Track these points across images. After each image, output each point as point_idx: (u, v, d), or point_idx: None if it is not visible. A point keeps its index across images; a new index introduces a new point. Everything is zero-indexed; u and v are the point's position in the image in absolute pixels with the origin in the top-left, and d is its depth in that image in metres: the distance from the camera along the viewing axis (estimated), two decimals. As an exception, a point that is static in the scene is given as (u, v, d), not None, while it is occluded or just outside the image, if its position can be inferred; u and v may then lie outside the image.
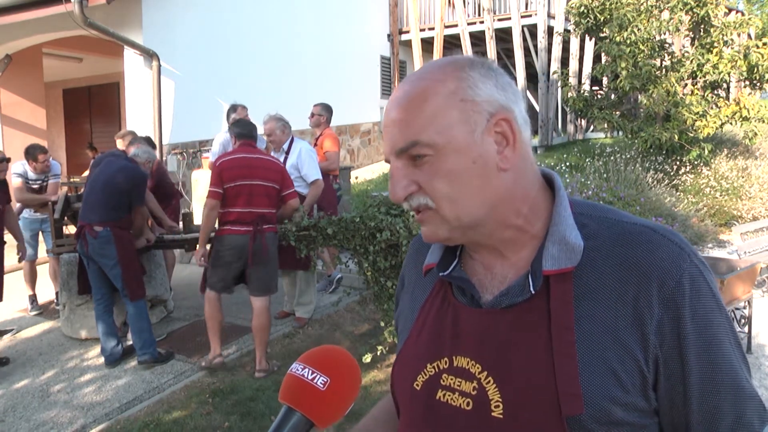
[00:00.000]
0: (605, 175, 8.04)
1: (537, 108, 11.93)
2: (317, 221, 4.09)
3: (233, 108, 5.52)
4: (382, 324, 4.14)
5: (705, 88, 8.74)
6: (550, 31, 11.51)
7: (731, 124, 8.59)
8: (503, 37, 12.18)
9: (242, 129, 4.25)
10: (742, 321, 4.45)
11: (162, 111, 7.48)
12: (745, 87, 9.13)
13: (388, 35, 12.80)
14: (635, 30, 8.41)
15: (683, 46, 9.56)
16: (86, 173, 6.03)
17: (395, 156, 0.81)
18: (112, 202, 4.22)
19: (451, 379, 0.82)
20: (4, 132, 8.57)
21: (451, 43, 12.66)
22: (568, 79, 10.19)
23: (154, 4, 7.59)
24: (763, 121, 8.25)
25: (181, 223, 5.30)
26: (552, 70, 11.15)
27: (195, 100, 8.09)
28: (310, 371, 0.75)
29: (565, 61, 11.45)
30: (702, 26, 8.59)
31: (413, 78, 0.82)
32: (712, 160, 8.78)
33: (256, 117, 5.81)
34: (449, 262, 0.89)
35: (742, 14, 11.20)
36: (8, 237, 4.93)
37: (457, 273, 0.87)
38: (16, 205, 5.71)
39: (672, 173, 8.61)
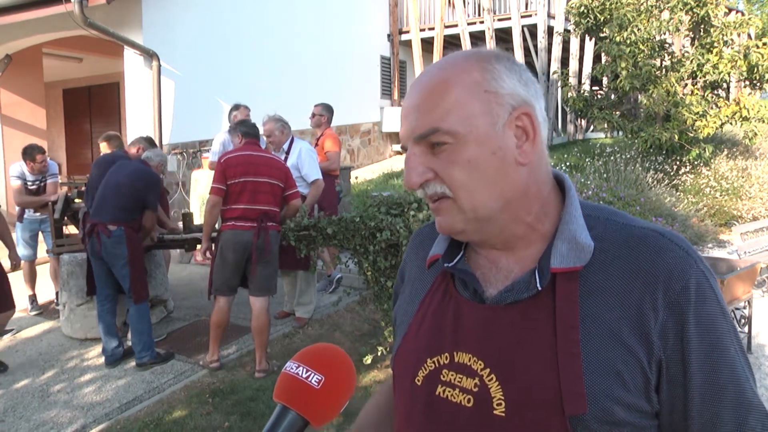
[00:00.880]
0: (605, 175, 8.04)
1: (537, 108, 11.91)
2: (317, 221, 4.09)
3: (236, 107, 5.53)
4: (382, 324, 4.14)
5: (705, 88, 8.74)
6: (550, 31, 11.51)
7: (731, 124, 8.59)
8: (503, 37, 12.18)
9: (249, 129, 4.30)
10: (742, 321, 4.45)
11: (162, 111, 7.48)
12: (745, 87, 9.13)
13: (388, 35, 12.81)
14: (635, 30, 8.41)
15: (683, 46, 9.56)
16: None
17: (413, 142, 0.80)
18: (126, 204, 4.25)
19: (452, 375, 0.81)
20: (4, 132, 8.57)
21: (451, 43, 12.67)
22: (568, 79, 10.20)
23: (154, 4, 7.59)
24: (763, 121, 8.25)
25: (180, 223, 5.30)
26: (552, 70, 11.15)
27: (195, 100, 8.09)
28: (305, 370, 0.75)
29: (565, 61, 11.45)
30: (702, 26, 8.59)
31: (437, 66, 0.82)
32: (712, 160, 8.78)
33: (256, 117, 5.80)
34: (454, 254, 0.88)
35: (742, 14, 11.20)
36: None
37: (462, 266, 0.86)
38: (15, 209, 5.71)
39: (672, 173, 8.61)
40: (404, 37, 12.80)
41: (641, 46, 8.32)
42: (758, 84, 8.52)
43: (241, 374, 4.13)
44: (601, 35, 9.27)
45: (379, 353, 4.06)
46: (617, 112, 9.35)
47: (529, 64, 11.96)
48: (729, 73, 8.33)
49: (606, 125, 9.44)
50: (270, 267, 4.16)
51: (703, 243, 7.13)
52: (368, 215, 3.83)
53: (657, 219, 6.73)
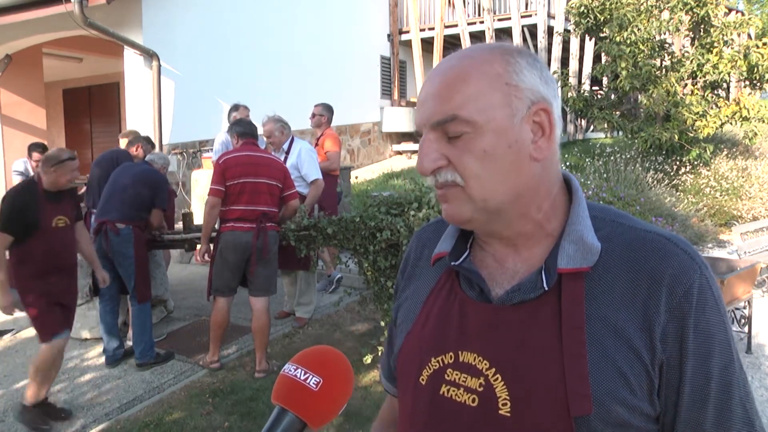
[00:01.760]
0: (605, 175, 8.04)
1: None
2: (317, 221, 4.09)
3: (235, 108, 5.53)
4: (382, 324, 4.14)
5: (705, 88, 8.74)
6: (550, 31, 11.51)
7: (731, 124, 8.59)
8: (503, 37, 12.17)
9: (245, 128, 4.27)
10: (742, 321, 4.45)
11: (162, 111, 7.48)
12: (745, 87, 9.13)
13: (388, 35, 12.80)
14: (635, 30, 8.41)
15: (683, 46, 9.55)
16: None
17: (429, 128, 0.79)
18: (135, 203, 4.28)
19: (456, 375, 0.81)
20: (4, 132, 8.57)
21: (451, 43, 12.66)
22: (568, 79, 10.19)
23: (154, 4, 7.59)
24: (763, 121, 8.25)
25: (181, 222, 5.30)
26: (552, 70, 11.15)
27: (195, 100, 8.09)
28: (303, 372, 0.75)
29: (565, 61, 11.45)
30: (702, 26, 8.58)
31: (460, 55, 0.82)
32: (712, 160, 8.78)
33: (256, 117, 5.80)
34: (460, 253, 0.88)
35: (742, 14, 11.20)
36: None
37: (467, 265, 0.86)
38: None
39: (672, 173, 8.60)
40: (404, 37, 12.80)
41: (641, 46, 8.32)
42: (758, 84, 8.52)
43: (241, 374, 4.13)
44: (601, 35, 9.27)
45: (379, 353, 4.05)
46: (617, 112, 9.34)
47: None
48: (729, 73, 8.33)
49: (606, 125, 9.43)
50: (269, 267, 4.15)
51: (703, 243, 7.13)
52: (368, 215, 3.83)
53: (657, 219, 6.73)
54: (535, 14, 11.61)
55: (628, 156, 8.87)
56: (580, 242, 0.79)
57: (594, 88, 11.35)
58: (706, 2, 8.26)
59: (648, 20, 8.49)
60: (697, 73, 8.50)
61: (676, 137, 8.22)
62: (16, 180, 5.55)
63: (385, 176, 10.23)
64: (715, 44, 8.39)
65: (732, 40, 8.58)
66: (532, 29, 11.72)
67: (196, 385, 4.02)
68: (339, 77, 10.90)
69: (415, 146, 12.31)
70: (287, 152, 4.88)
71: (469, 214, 0.80)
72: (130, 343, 4.48)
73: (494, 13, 11.94)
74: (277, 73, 9.50)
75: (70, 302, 3.69)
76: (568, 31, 10.66)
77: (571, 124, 12.34)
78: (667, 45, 8.83)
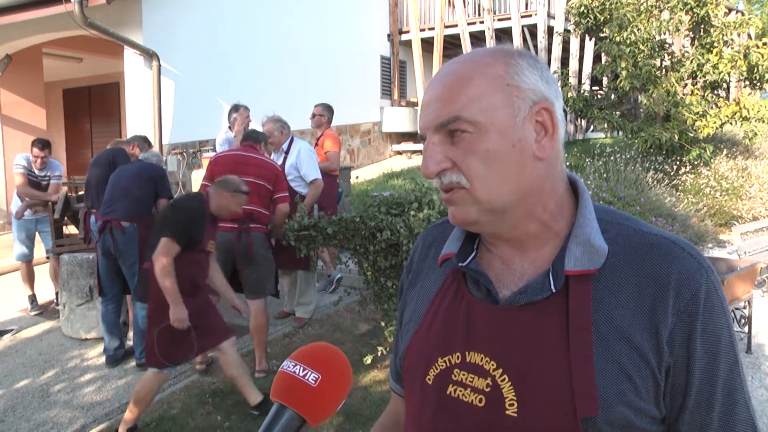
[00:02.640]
0: (605, 175, 8.04)
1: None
2: (317, 221, 4.09)
3: (235, 108, 5.53)
4: (382, 324, 4.14)
5: (705, 88, 8.74)
6: (550, 31, 11.51)
7: (731, 124, 8.59)
8: (503, 37, 12.17)
9: (248, 134, 4.33)
10: (742, 321, 4.45)
11: (162, 111, 7.48)
12: (745, 87, 9.13)
13: (388, 35, 12.80)
14: (635, 30, 8.41)
15: (683, 46, 9.55)
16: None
17: (433, 130, 0.80)
18: (139, 199, 4.29)
19: (463, 375, 0.81)
20: (4, 132, 8.57)
21: (451, 43, 12.67)
22: (568, 79, 10.20)
23: (154, 4, 7.59)
24: (763, 121, 8.25)
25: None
26: (552, 70, 11.15)
27: (195, 100, 8.09)
28: (302, 368, 0.75)
29: (565, 61, 11.45)
30: (702, 26, 8.59)
31: (461, 59, 0.83)
32: (712, 160, 8.78)
33: (255, 117, 5.81)
34: (467, 254, 0.88)
35: (742, 14, 11.19)
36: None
37: (474, 266, 0.86)
38: (12, 207, 5.69)
39: (672, 173, 8.61)
40: (404, 37, 12.79)
41: (641, 46, 8.32)
42: (758, 84, 8.52)
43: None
44: (601, 35, 9.27)
45: (379, 353, 4.05)
46: (617, 112, 9.34)
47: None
48: (729, 73, 8.33)
49: (606, 125, 9.42)
50: (260, 270, 4.10)
51: (703, 243, 7.13)
52: (368, 215, 3.83)
53: (657, 219, 6.73)
54: (535, 14, 11.61)
55: (628, 156, 8.87)
56: (587, 244, 0.79)
57: (594, 88, 11.36)
58: (706, 2, 8.26)
59: (648, 20, 8.49)
60: (697, 73, 8.50)
61: (676, 137, 8.22)
62: (17, 172, 5.51)
63: (385, 176, 10.23)
64: (715, 44, 8.39)
65: (732, 40, 8.59)
66: (532, 29, 11.72)
67: (196, 385, 4.02)
68: (339, 77, 10.90)
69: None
70: (287, 152, 4.88)
71: (475, 215, 0.80)
72: (130, 343, 4.48)
73: (494, 13, 11.94)
74: (277, 72, 9.49)
75: (198, 323, 3.29)
76: (568, 31, 10.66)
77: (571, 124, 12.33)
78: (667, 45, 8.83)
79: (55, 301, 5.70)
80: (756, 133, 8.31)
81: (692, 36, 8.90)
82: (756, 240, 6.05)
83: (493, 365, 0.79)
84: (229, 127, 5.60)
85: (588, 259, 0.78)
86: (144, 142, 5.21)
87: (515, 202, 0.80)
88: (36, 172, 5.59)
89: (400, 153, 12.78)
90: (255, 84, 8.84)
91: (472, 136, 0.77)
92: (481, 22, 12.07)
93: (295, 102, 8.27)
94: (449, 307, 0.87)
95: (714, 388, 0.76)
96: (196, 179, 6.44)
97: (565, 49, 11.48)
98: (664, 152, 8.69)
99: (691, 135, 8.37)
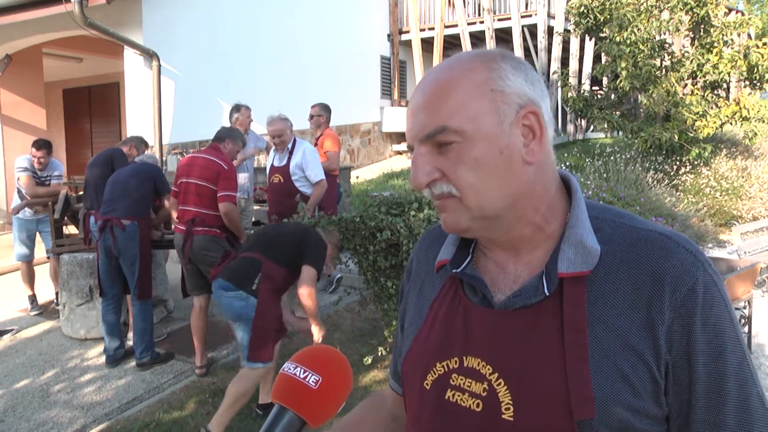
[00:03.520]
0: (605, 175, 8.04)
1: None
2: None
3: (236, 108, 5.52)
4: (382, 324, 4.14)
5: (705, 88, 8.74)
6: (550, 31, 11.51)
7: (731, 124, 8.58)
8: (503, 37, 12.18)
9: (218, 132, 4.35)
10: (742, 321, 4.45)
11: (162, 111, 7.48)
12: (745, 87, 9.12)
13: (388, 35, 12.80)
14: (635, 30, 8.41)
15: (683, 46, 9.56)
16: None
17: (420, 141, 0.80)
18: (138, 197, 4.31)
19: (461, 380, 0.81)
20: (4, 132, 8.57)
21: (451, 43, 12.67)
22: (568, 79, 10.19)
23: (154, 4, 7.59)
24: (763, 121, 8.24)
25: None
26: (552, 70, 11.15)
27: (195, 100, 8.09)
28: (302, 370, 0.75)
29: (565, 61, 11.45)
30: (702, 26, 8.59)
31: (443, 66, 0.81)
32: (712, 160, 8.78)
33: (255, 117, 5.81)
34: (462, 259, 0.88)
35: (742, 14, 11.19)
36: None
37: (470, 271, 0.86)
38: (12, 201, 5.69)
39: (672, 173, 8.61)
40: (404, 37, 12.80)
41: (641, 46, 8.32)
42: (758, 84, 8.52)
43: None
44: (601, 35, 9.27)
45: (379, 353, 4.06)
46: (617, 112, 9.34)
47: (529, 64, 11.95)
48: (729, 73, 8.33)
49: (606, 125, 9.43)
50: (207, 270, 3.99)
51: (703, 243, 7.13)
52: (368, 215, 3.83)
53: (657, 219, 6.73)
54: (535, 14, 11.61)
55: (628, 156, 8.88)
56: (579, 245, 0.79)
57: (594, 88, 11.36)
58: (706, 2, 8.26)
59: (648, 20, 8.49)
60: (697, 73, 8.50)
61: (676, 137, 8.22)
62: (23, 175, 5.51)
63: (385, 176, 10.23)
64: (715, 44, 8.39)
65: (732, 40, 8.59)
66: (532, 29, 11.72)
67: (196, 385, 4.02)
68: (339, 77, 10.90)
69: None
70: (290, 152, 4.86)
71: (467, 223, 0.80)
72: (130, 343, 4.48)
73: (494, 13, 11.94)
74: (277, 72, 9.50)
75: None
76: (568, 31, 10.67)
77: (571, 124, 12.35)
78: (667, 45, 8.83)
79: (55, 301, 5.70)
80: (756, 133, 8.31)
81: (692, 36, 8.91)
82: (756, 240, 6.05)
83: (489, 369, 0.79)
84: None
85: (581, 260, 0.78)
86: (141, 143, 5.22)
87: (507, 208, 0.79)
88: (38, 172, 5.59)
89: (400, 153, 12.78)
90: (255, 84, 8.84)
91: (460, 146, 0.77)
92: (481, 22, 12.07)
93: (295, 102, 8.27)
94: (447, 312, 0.87)
95: (724, 384, 0.74)
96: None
97: (565, 49, 11.48)
98: (664, 152, 8.69)
99: (691, 135, 8.37)
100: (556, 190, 0.84)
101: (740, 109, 8.14)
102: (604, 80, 10.42)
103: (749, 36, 10.66)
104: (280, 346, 3.63)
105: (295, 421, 0.73)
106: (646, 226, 0.81)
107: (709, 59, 8.32)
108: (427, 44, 12.73)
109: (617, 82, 8.60)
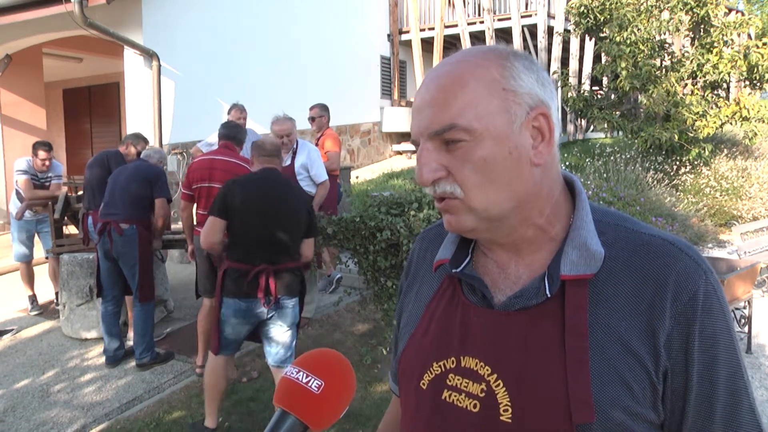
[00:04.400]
0: (605, 175, 8.04)
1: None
2: (318, 221, 4.09)
3: (232, 107, 5.53)
4: (382, 324, 4.14)
5: (705, 88, 8.74)
6: (550, 31, 11.51)
7: (731, 124, 8.59)
8: (503, 37, 12.18)
9: (225, 130, 4.23)
10: (742, 321, 4.45)
11: (162, 111, 7.48)
12: (745, 87, 9.13)
13: (388, 35, 12.80)
14: (635, 30, 8.41)
15: (683, 46, 9.56)
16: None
17: (427, 137, 0.78)
18: (136, 201, 4.27)
19: (458, 380, 0.80)
20: (4, 132, 8.57)
21: (451, 43, 12.67)
22: (568, 79, 10.20)
23: (154, 4, 7.59)
24: (763, 121, 8.25)
25: (180, 222, 5.31)
26: (552, 70, 11.15)
27: (195, 100, 8.09)
28: (305, 375, 0.75)
29: (565, 61, 11.45)
30: (702, 26, 8.59)
31: (453, 60, 0.79)
32: (712, 160, 8.78)
33: (256, 117, 5.81)
34: (461, 258, 0.87)
35: (742, 14, 11.20)
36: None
37: (469, 271, 0.85)
38: (13, 207, 5.68)
39: (672, 173, 8.61)
40: (404, 37, 12.79)
41: (641, 46, 8.32)
42: (758, 84, 8.52)
43: (240, 374, 4.13)
44: (601, 35, 9.27)
45: (379, 353, 4.06)
46: (617, 112, 9.34)
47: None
48: (729, 73, 8.33)
49: (606, 125, 9.43)
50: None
51: (703, 243, 7.13)
52: (368, 215, 3.83)
53: (657, 219, 6.73)
54: (535, 14, 11.61)
55: (628, 156, 8.88)
56: (583, 248, 0.78)
57: (594, 88, 11.36)
58: (706, 2, 8.26)
59: (648, 20, 8.49)
60: (697, 73, 8.50)
61: (676, 137, 8.22)
62: (22, 178, 5.51)
63: (385, 176, 10.23)
64: (715, 44, 8.39)
65: (732, 40, 8.58)
66: (532, 29, 11.72)
67: (196, 385, 4.01)
68: (339, 77, 10.90)
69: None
70: (295, 152, 4.85)
71: (471, 224, 0.79)
72: (130, 343, 4.48)
73: (494, 13, 11.94)
74: (277, 72, 9.49)
75: None
76: (568, 31, 10.66)
77: (571, 124, 12.34)
78: (667, 45, 8.83)
79: (55, 301, 5.70)
80: (756, 133, 8.31)
81: (692, 36, 8.91)
82: (756, 240, 6.05)
83: (487, 370, 0.78)
84: None
85: (584, 263, 0.77)
86: (138, 139, 5.17)
87: (512, 210, 0.78)
88: (38, 174, 5.59)
89: (400, 153, 12.78)
90: (255, 84, 8.84)
91: (468, 144, 0.75)
92: (481, 22, 12.07)
93: (295, 102, 8.26)
94: (445, 311, 0.86)
95: (714, 392, 0.74)
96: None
97: (565, 49, 11.48)
98: (664, 152, 8.69)
99: (691, 135, 8.37)
100: (561, 191, 0.83)
101: (740, 109, 8.14)
102: (604, 80, 10.43)
103: (749, 36, 10.66)
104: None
105: (297, 426, 0.73)
106: (649, 231, 0.81)
107: (709, 59, 8.32)
108: (427, 44, 12.73)
109: (617, 82, 8.60)
